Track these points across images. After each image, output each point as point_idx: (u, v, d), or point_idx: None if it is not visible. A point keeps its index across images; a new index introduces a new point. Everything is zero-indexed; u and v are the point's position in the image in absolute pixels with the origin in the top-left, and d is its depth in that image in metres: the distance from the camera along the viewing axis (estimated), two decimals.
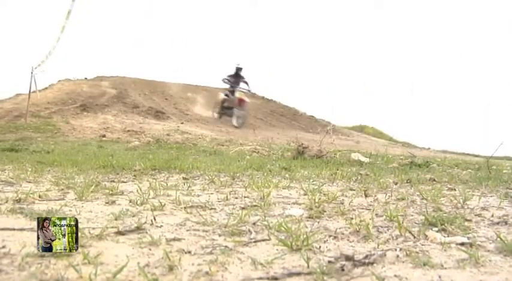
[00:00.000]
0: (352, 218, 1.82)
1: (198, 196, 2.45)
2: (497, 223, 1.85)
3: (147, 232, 1.54)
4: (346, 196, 2.51)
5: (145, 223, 1.68)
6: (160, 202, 2.04)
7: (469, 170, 4.51)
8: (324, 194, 2.48)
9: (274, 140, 10.80)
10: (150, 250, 1.34)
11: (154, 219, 1.73)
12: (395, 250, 1.39)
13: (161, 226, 1.67)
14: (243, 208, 2.07)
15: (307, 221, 1.83)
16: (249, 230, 1.59)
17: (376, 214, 1.97)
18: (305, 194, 2.53)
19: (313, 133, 14.43)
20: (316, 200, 2.19)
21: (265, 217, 1.84)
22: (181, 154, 5.84)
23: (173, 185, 2.76)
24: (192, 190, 2.66)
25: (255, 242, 1.46)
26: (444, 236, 1.55)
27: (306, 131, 16.89)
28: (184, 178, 3.27)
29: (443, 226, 1.69)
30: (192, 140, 9.07)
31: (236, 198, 2.38)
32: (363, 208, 2.14)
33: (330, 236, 1.57)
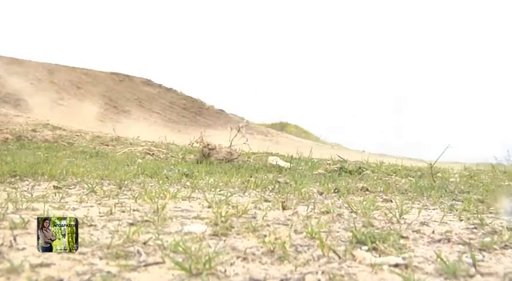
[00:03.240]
0: (265, 236, 1.88)
1: (74, 209, 2.39)
2: (439, 241, 1.98)
3: (4, 257, 1.49)
4: (259, 209, 2.60)
5: (2, 245, 1.62)
6: (23, 218, 1.96)
7: (410, 178, 4.78)
8: (233, 207, 2.54)
9: (174, 140, 10.72)
10: (8, 279, 1.30)
11: (15, 240, 1.67)
12: (316, 273, 1.46)
13: (24, 248, 1.62)
14: (131, 224, 2.06)
15: (211, 239, 1.88)
16: (138, 252, 1.60)
17: (294, 230, 2.06)
18: (209, 207, 2.57)
19: (222, 131, 14.53)
20: (223, 214, 2.24)
21: (158, 234, 1.86)
22: (52, 156, 5.60)
23: (40, 196, 2.66)
24: (66, 201, 2.59)
25: (145, 266, 1.47)
26: (375, 257, 1.64)
27: (213, 128, 17.00)
28: (55, 187, 3.16)
29: (374, 245, 1.77)
30: (66, 138, 8.71)
31: (123, 212, 2.36)
32: (279, 223, 2.23)
33: (238, 257, 1.62)
